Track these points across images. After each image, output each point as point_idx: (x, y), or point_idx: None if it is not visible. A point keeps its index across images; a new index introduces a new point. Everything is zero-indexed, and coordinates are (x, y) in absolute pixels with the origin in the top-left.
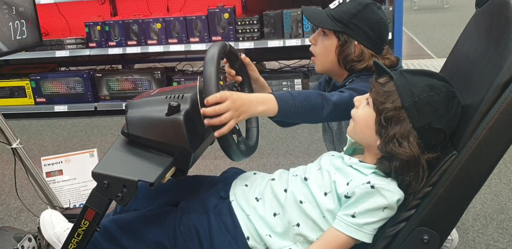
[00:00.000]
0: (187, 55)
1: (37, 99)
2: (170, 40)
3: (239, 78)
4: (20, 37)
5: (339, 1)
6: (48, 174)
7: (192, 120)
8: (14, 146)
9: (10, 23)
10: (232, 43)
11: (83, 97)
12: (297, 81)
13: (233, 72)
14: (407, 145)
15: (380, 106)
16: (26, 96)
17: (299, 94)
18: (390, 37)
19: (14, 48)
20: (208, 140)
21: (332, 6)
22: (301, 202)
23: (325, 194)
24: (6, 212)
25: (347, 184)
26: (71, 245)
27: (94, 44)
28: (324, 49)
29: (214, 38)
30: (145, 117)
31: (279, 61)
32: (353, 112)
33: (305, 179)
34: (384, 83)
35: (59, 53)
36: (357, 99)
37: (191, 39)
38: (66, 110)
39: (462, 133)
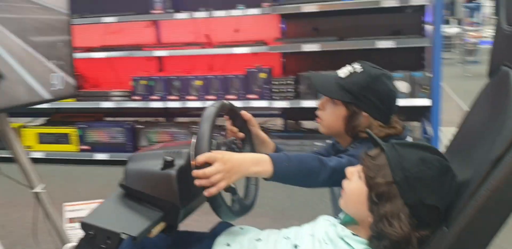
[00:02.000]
0: None
1: (81, 147)
2: (208, 97)
3: (241, 135)
4: (57, 88)
5: (350, 71)
6: (71, 220)
7: (186, 176)
8: (36, 190)
9: (49, 75)
10: (267, 102)
11: (124, 147)
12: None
13: (234, 129)
14: (398, 225)
15: (371, 181)
16: (71, 143)
17: (296, 157)
18: (430, 103)
19: (48, 98)
20: (201, 198)
21: (342, 74)
22: None
23: None
24: None
25: None
26: None
27: (139, 98)
28: (331, 116)
29: (249, 96)
30: (140, 170)
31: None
32: (344, 184)
33: (295, 246)
34: (375, 156)
35: (106, 104)
36: (350, 171)
37: (228, 96)
38: (107, 158)
39: (453, 209)
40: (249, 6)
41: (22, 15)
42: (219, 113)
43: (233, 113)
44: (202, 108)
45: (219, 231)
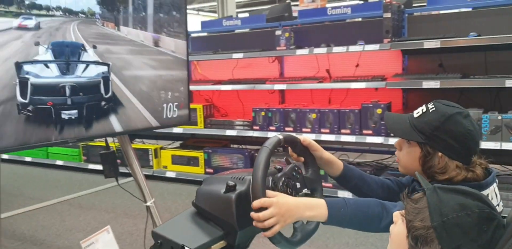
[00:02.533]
0: (343, 146)
1: (207, 169)
2: (322, 130)
3: (302, 159)
4: (171, 116)
5: (422, 110)
6: None
7: (245, 200)
8: (148, 204)
9: (165, 105)
10: (382, 139)
11: None
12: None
13: (295, 155)
14: None
15: (409, 224)
16: (199, 166)
17: (355, 203)
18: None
19: (164, 124)
20: None
21: (415, 114)
22: None
23: None
24: None
25: None
26: None
27: (257, 127)
28: (407, 157)
29: (365, 131)
30: (207, 191)
31: None
32: (390, 228)
33: None
34: (417, 199)
35: (229, 132)
36: (395, 214)
37: (342, 131)
38: None
39: None
40: (369, 42)
41: (151, 56)
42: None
43: (291, 143)
44: (316, 141)
45: None
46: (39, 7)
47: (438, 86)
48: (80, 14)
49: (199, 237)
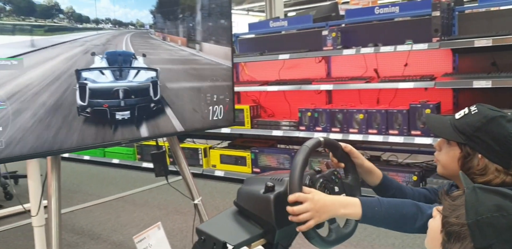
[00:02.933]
0: (392, 146)
1: (254, 169)
2: (370, 130)
3: (342, 165)
4: (216, 118)
5: (464, 112)
6: None
7: (283, 201)
8: (195, 202)
9: (210, 107)
10: (432, 139)
11: None
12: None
13: (334, 160)
14: None
15: (444, 219)
16: (246, 165)
17: (389, 202)
18: None
19: (208, 126)
20: None
21: (457, 115)
22: None
23: None
24: None
25: None
26: None
27: (304, 128)
28: (447, 158)
29: (413, 132)
30: (248, 191)
31: None
32: (429, 222)
33: None
34: (456, 196)
35: (275, 133)
36: (435, 209)
37: (390, 131)
38: None
39: None
40: (418, 41)
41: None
42: (316, 149)
43: (332, 147)
44: (363, 142)
45: None
46: (96, 21)
47: (490, 86)
48: (130, 26)
49: (240, 235)
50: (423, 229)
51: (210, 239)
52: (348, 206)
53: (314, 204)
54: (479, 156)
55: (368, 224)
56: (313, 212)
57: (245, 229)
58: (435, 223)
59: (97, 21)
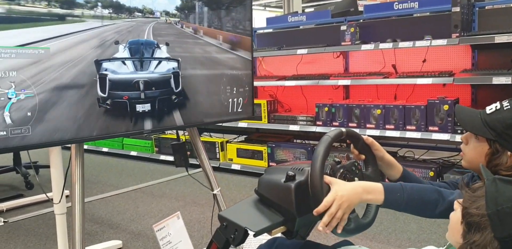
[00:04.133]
0: (409, 142)
1: (270, 163)
2: (387, 126)
3: (362, 157)
4: (235, 111)
5: (496, 107)
6: None
7: (304, 190)
8: (214, 192)
9: (230, 100)
10: (448, 135)
11: None
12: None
13: (356, 152)
14: None
15: (464, 211)
16: (262, 160)
17: (412, 188)
18: None
19: (227, 118)
20: None
21: (488, 110)
22: None
23: None
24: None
25: None
26: None
27: (320, 123)
28: (474, 152)
29: (431, 128)
30: (269, 180)
31: None
32: (450, 215)
33: None
34: (476, 188)
35: (292, 127)
36: (456, 202)
37: (408, 127)
38: None
39: None
40: (437, 36)
41: (219, 54)
42: (338, 139)
43: (353, 138)
44: (380, 137)
45: (338, 246)
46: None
47: (510, 82)
48: (156, 14)
49: (261, 222)
50: (445, 214)
51: (232, 225)
52: (371, 191)
53: (340, 199)
54: (509, 153)
55: (390, 209)
56: (342, 208)
57: (266, 216)
58: (456, 215)
59: (128, 10)
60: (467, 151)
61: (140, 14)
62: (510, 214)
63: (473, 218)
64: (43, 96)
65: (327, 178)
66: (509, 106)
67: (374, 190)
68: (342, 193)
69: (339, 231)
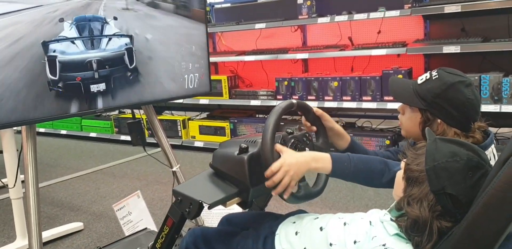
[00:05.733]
0: (366, 113)
1: None
2: (344, 98)
3: (314, 128)
4: (192, 87)
5: (426, 76)
6: None
7: (256, 161)
8: (174, 169)
9: (186, 75)
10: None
11: None
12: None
13: (308, 124)
14: (417, 207)
15: (406, 167)
16: (225, 135)
17: (359, 158)
18: None
19: (184, 94)
20: None
21: (419, 80)
22: (331, 244)
23: (355, 242)
24: None
25: (372, 238)
26: (157, 245)
27: (281, 97)
28: (409, 121)
29: (386, 98)
30: (222, 153)
31: None
32: (397, 173)
33: (345, 223)
34: (419, 147)
35: (253, 102)
36: (403, 161)
37: (364, 98)
38: None
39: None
40: (390, 8)
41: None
42: (290, 110)
43: (304, 110)
44: (338, 109)
45: (292, 215)
46: None
47: (459, 51)
48: None
49: (215, 194)
50: (391, 184)
51: (186, 199)
52: (319, 160)
53: (288, 166)
54: (439, 121)
55: (338, 178)
56: (289, 175)
57: (220, 188)
58: (400, 173)
59: None
60: (404, 120)
61: None
62: (444, 169)
63: (413, 174)
64: None
65: (277, 146)
66: (437, 76)
67: (322, 159)
68: (290, 160)
69: (285, 196)
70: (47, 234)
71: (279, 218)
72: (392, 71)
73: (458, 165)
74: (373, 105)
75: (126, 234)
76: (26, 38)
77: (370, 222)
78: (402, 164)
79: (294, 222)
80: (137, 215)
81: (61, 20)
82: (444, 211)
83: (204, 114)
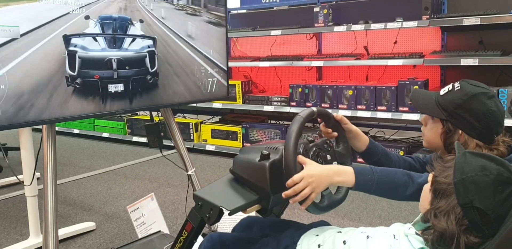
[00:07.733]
0: (380, 122)
1: (244, 144)
2: (358, 106)
3: (334, 134)
4: (209, 91)
5: (448, 88)
6: None
7: (278, 168)
8: (189, 172)
9: (204, 80)
10: (419, 115)
11: None
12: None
13: (329, 130)
14: (444, 219)
15: (434, 179)
16: (237, 140)
17: (382, 171)
18: None
19: (201, 99)
20: None
21: (442, 92)
22: None
23: None
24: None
25: None
26: None
27: (294, 103)
28: (431, 132)
29: (401, 108)
30: (243, 159)
31: None
32: (424, 186)
33: (368, 237)
34: (448, 160)
35: (266, 108)
36: (430, 175)
37: (379, 108)
38: None
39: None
40: (408, 18)
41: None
42: (312, 118)
43: (325, 117)
44: (352, 117)
45: (315, 226)
46: None
47: (477, 64)
48: None
49: (236, 200)
50: (414, 196)
51: (206, 204)
52: (342, 174)
53: (310, 177)
54: (460, 131)
55: (361, 191)
56: (310, 187)
57: (240, 195)
58: (427, 185)
59: None
60: (426, 131)
61: None
62: (473, 182)
63: (441, 186)
64: (12, 76)
65: (301, 158)
66: (459, 87)
67: (344, 173)
68: (313, 172)
69: (303, 207)
70: (60, 233)
71: (301, 228)
72: (408, 82)
73: (487, 179)
74: (388, 115)
75: (139, 236)
76: (53, 34)
77: (394, 235)
78: (430, 176)
79: (317, 235)
80: (150, 217)
81: (87, 17)
82: (471, 226)
83: (217, 118)
